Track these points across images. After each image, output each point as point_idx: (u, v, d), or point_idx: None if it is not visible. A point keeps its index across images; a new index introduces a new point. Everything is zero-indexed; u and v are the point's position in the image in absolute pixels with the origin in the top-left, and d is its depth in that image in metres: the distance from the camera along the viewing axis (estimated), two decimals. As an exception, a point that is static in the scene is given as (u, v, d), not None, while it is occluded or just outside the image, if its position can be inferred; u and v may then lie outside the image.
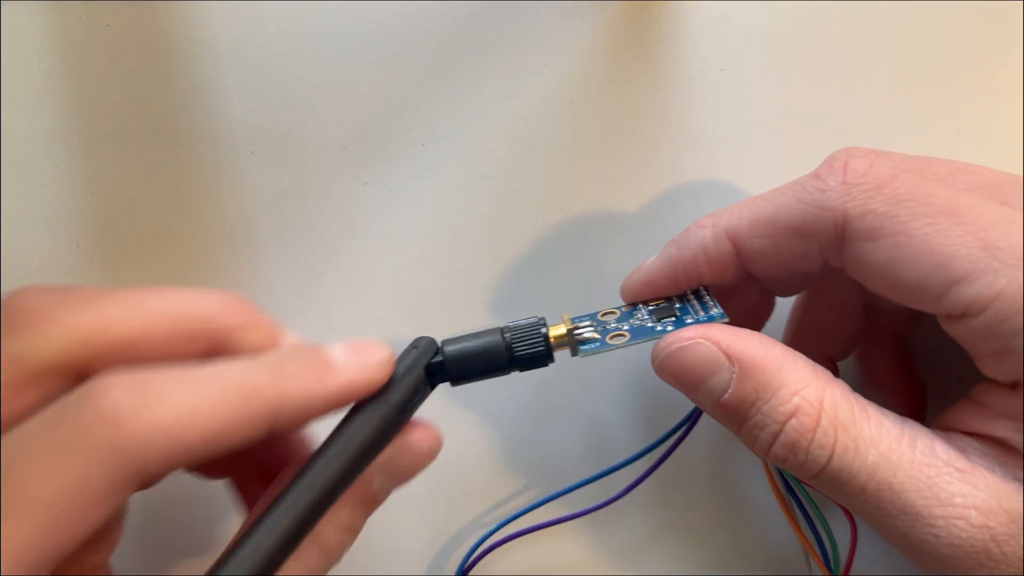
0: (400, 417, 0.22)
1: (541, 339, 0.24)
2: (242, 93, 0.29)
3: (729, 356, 0.22)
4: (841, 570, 0.27)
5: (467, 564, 0.28)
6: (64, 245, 0.29)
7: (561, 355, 0.24)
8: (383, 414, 0.22)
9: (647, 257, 0.27)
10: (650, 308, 0.25)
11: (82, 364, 0.20)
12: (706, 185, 0.30)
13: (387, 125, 0.29)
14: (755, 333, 0.23)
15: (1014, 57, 0.30)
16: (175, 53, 0.29)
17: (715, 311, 0.24)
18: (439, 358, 0.23)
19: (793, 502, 0.27)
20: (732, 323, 0.24)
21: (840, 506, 0.25)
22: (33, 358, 0.20)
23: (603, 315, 0.25)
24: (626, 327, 0.24)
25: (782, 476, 0.27)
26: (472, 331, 0.24)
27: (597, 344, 0.24)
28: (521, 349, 0.24)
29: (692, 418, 0.26)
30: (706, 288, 0.25)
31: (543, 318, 0.24)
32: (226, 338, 0.22)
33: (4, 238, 0.29)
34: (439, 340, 0.24)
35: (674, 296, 0.25)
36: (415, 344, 0.24)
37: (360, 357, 0.22)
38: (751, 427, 0.22)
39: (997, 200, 0.21)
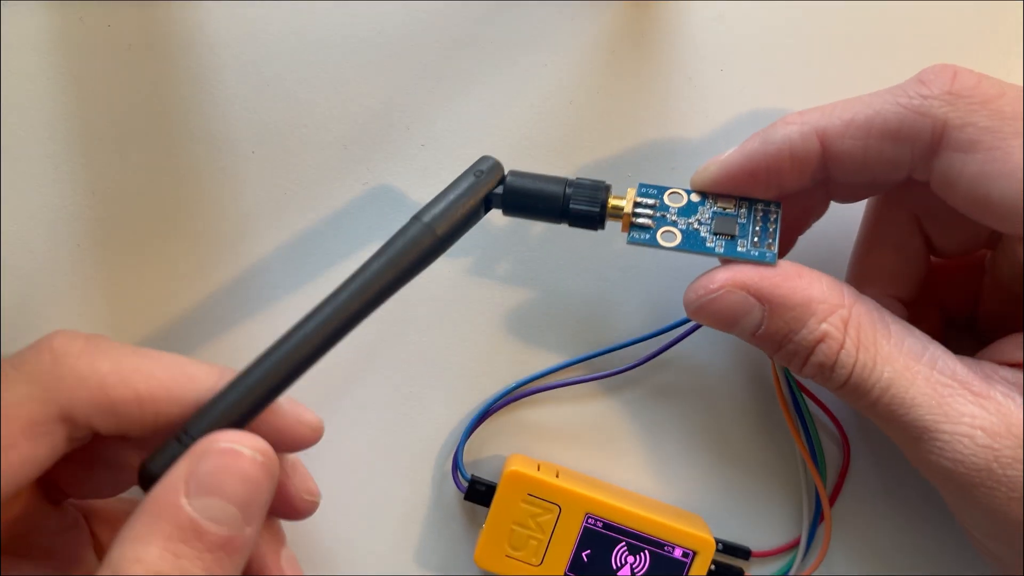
0: (443, 246, 0.23)
1: (599, 203, 0.24)
2: (242, 93, 0.29)
3: (759, 298, 0.23)
4: (828, 483, 0.29)
5: (489, 408, 0.29)
6: (64, 245, 0.29)
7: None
8: (428, 242, 0.23)
9: (644, 257, 0.27)
10: (714, 210, 0.25)
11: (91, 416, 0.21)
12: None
13: (387, 125, 0.29)
14: (782, 265, 0.24)
15: (1014, 57, 0.30)
16: (175, 53, 0.29)
17: (768, 251, 0.24)
18: (499, 188, 0.24)
19: (795, 411, 0.28)
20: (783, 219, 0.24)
21: (837, 426, 0.28)
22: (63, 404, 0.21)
23: (669, 195, 0.25)
24: (681, 227, 0.24)
25: (789, 384, 0.28)
26: (540, 173, 0.25)
27: (647, 237, 0.24)
28: (577, 204, 0.24)
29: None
30: (777, 205, 0.24)
31: (609, 184, 0.25)
32: None
33: (4, 238, 0.29)
34: (506, 169, 0.25)
35: (743, 201, 0.24)
36: (479, 165, 0.25)
37: (297, 410, 0.22)
38: (785, 353, 0.24)
39: None
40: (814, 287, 0.23)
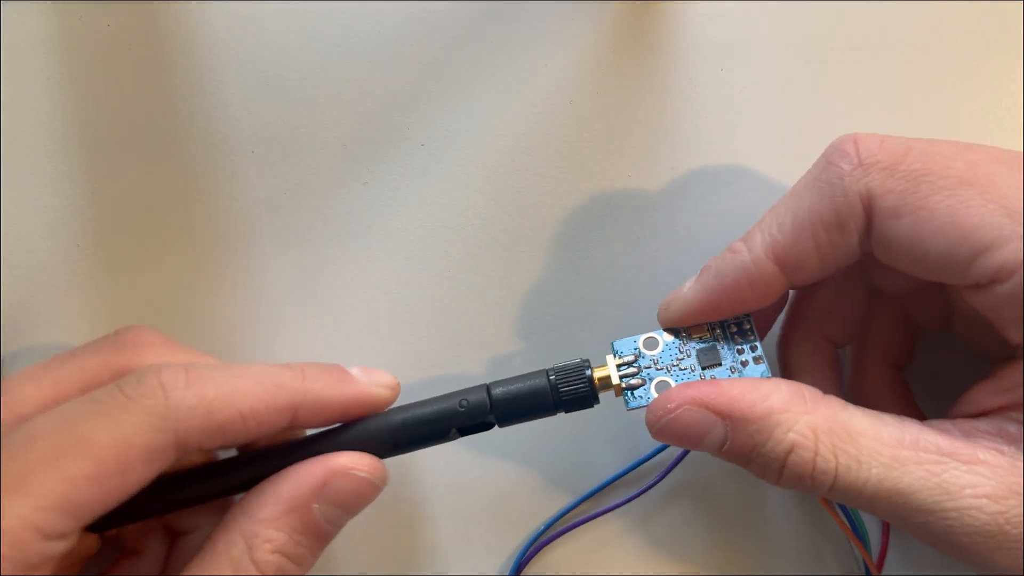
0: (389, 437, 0.24)
1: (586, 381, 0.24)
2: (242, 93, 0.29)
3: (718, 414, 0.23)
4: (875, 558, 0.27)
5: (522, 560, 0.28)
6: (64, 245, 0.29)
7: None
8: (375, 427, 0.24)
9: (644, 257, 0.27)
10: (693, 345, 0.25)
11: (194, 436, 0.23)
12: (706, 185, 0.30)
13: (387, 125, 0.29)
14: (741, 379, 0.24)
15: (1014, 57, 0.30)
16: (175, 53, 0.29)
17: (759, 366, 0.24)
18: (477, 421, 0.24)
19: None
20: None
21: None
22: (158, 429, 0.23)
23: (645, 342, 0.25)
24: (671, 373, 0.25)
25: None
26: (516, 375, 0.25)
27: (645, 398, 0.24)
28: (566, 391, 0.24)
29: None
30: (747, 317, 0.25)
31: (587, 360, 0.24)
32: (305, 400, 0.24)
33: (4, 238, 0.29)
34: (487, 392, 0.24)
35: (716, 327, 0.25)
36: (464, 399, 0.25)
37: (371, 376, 0.25)
38: (757, 467, 0.23)
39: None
40: (773, 397, 0.23)
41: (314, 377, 0.24)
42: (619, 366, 0.25)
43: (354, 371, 0.25)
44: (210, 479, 0.25)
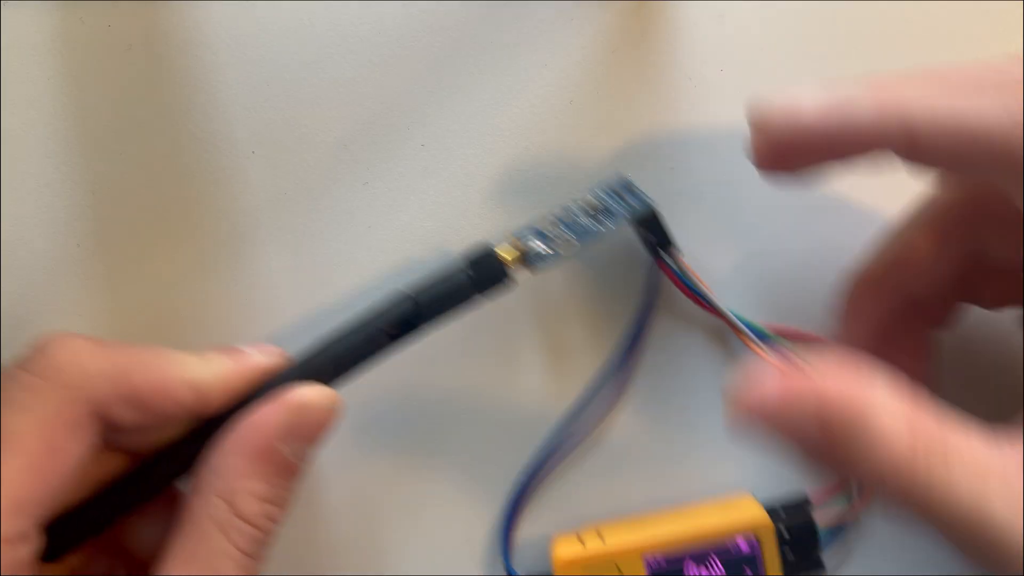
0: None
1: (499, 266, 0.26)
2: (242, 93, 0.29)
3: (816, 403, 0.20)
4: None
5: (515, 508, 0.29)
6: (64, 245, 0.29)
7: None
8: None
9: (646, 258, 0.27)
10: (579, 206, 0.27)
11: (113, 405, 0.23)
12: (706, 185, 0.30)
13: (387, 125, 0.29)
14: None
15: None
16: (176, 54, 0.29)
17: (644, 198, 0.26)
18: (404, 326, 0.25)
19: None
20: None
21: None
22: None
23: (548, 230, 0.26)
24: (571, 236, 0.26)
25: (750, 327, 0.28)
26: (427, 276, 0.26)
27: (550, 258, 0.26)
28: (481, 277, 0.25)
29: (642, 322, 0.28)
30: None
31: (490, 242, 0.26)
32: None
33: (4, 238, 0.29)
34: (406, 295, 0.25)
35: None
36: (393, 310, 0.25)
37: (261, 349, 0.25)
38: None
39: None
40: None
41: (211, 357, 0.24)
42: (517, 243, 0.26)
43: (245, 347, 0.25)
44: (156, 465, 0.24)
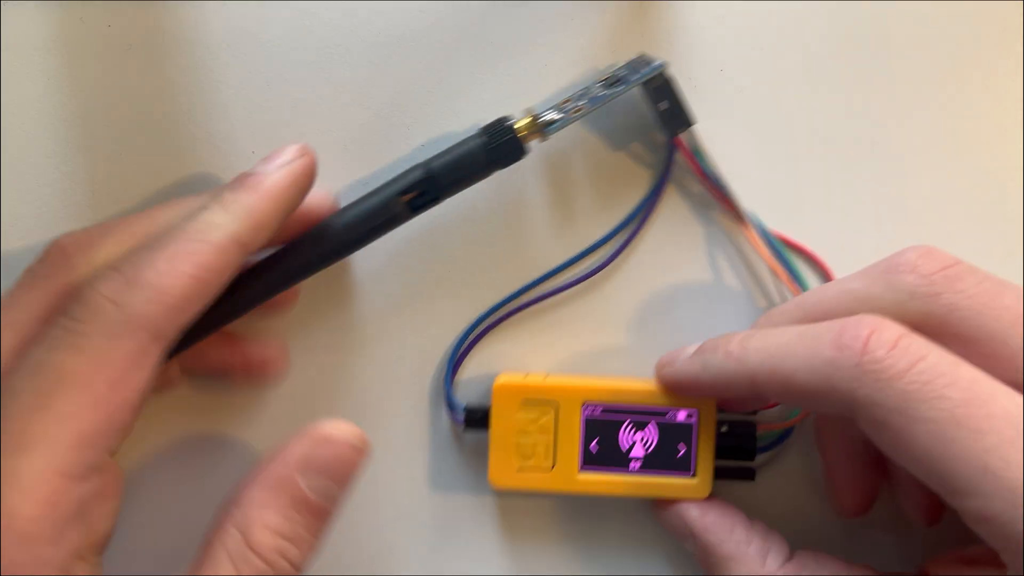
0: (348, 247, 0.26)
1: (512, 133, 0.26)
2: (242, 93, 0.29)
3: (691, 533, 0.26)
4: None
5: (458, 355, 0.29)
6: (64, 245, 0.29)
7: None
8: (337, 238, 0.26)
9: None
10: (599, 82, 0.27)
11: None
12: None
13: (387, 125, 0.29)
14: (727, 511, 0.26)
15: (1014, 57, 0.30)
16: (176, 54, 0.29)
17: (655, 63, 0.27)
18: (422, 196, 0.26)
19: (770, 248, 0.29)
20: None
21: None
22: (79, 282, 0.23)
23: (562, 103, 0.27)
24: (584, 103, 0.27)
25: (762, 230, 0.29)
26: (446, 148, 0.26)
27: (561, 120, 0.26)
28: (495, 146, 0.26)
29: (654, 197, 0.29)
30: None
31: (507, 117, 0.27)
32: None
33: (4, 238, 0.29)
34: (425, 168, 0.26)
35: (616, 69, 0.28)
36: (404, 182, 0.26)
37: (275, 162, 0.25)
38: None
39: None
40: (739, 547, 0.26)
41: (230, 200, 0.24)
42: (536, 116, 0.26)
43: (258, 166, 0.25)
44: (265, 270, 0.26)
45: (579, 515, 0.29)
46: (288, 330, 0.29)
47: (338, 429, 0.23)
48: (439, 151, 0.26)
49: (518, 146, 0.26)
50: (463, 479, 0.29)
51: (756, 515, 0.27)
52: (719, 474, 0.27)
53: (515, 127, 0.26)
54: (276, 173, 0.24)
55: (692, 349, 0.26)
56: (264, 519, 0.22)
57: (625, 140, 0.29)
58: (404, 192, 0.26)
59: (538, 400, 0.27)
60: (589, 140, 0.29)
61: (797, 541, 0.27)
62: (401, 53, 0.29)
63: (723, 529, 0.26)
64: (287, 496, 0.23)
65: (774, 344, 0.23)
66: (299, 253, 0.26)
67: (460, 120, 0.29)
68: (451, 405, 0.28)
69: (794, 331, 0.23)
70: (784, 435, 0.29)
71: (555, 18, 0.29)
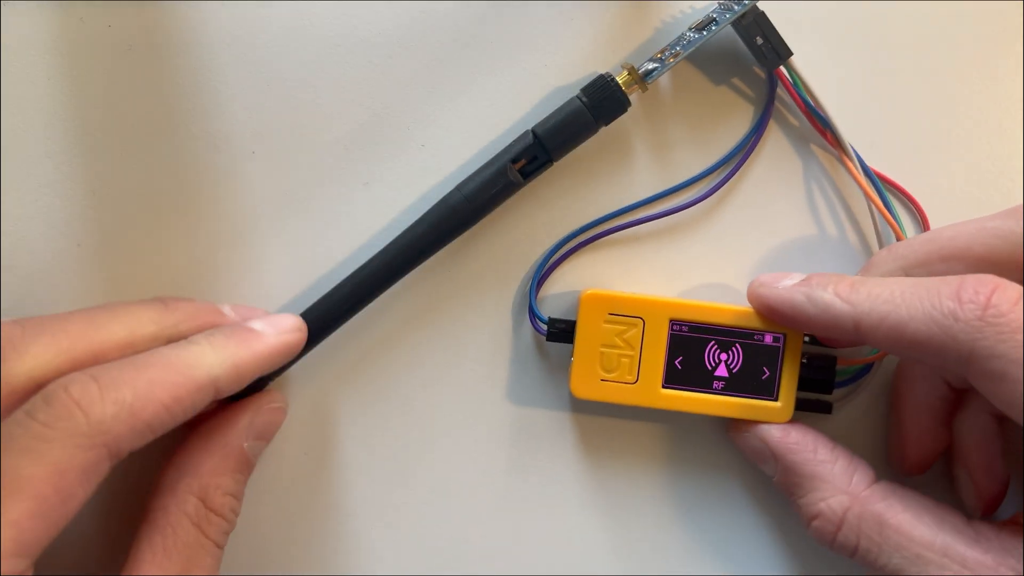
0: (475, 215, 0.27)
1: (615, 87, 0.27)
2: (242, 93, 0.29)
3: (774, 455, 0.26)
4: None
5: (544, 268, 0.29)
6: (64, 245, 0.29)
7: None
8: (459, 210, 0.27)
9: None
10: (691, 28, 0.28)
11: (55, 378, 0.23)
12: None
13: (387, 125, 0.29)
14: (810, 433, 0.26)
15: (1014, 57, 0.30)
16: (176, 54, 0.29)
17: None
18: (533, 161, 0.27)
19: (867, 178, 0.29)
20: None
21: (910, 199, 0.30)
22: (15, 379, 0.23)
23: (657, 54, 0.28)
24: (678, 49, 0.27)
25: (862, 166, 0.29)
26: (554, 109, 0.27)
27: (660, 67, 0.27)
28: (600, 102, 0.27)
29: (758, 131, 0.29)
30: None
31: (607, 72, 0.27)
32: (173, 334, 0.25)
33: (4, 238, 0.29)
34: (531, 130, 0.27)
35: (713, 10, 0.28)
36: (514, 151, 0.27)
37: (276, 324, 0.26)
38: (794, 507, 0.26)
39: None
40: (823, 466, 0.26)
41: (223, 345, 0.24)
42: (635, 68, 0.27)
43: (256, 324, 0.26)
44: None
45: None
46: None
47: (275, 399, 0.27)
48: (542, 117, 0.27)
49: (621, 99, 0.27)
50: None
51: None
52: (798, 405, 0.27)
53: (615, 81, 0.27)
54: (272, 339, 0.25)
55: (796, 277, 0.26)
56: (220, 484, 0.25)
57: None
58: (515, 160, 0.27)
59: (625, 314, 0.27)
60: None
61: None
62: (401, 53, 0.29)
63: (806, 448, 0.26)
64: (235, 460, 0.25)
65: (887, 292, 0.24)
66: (430, 227, 0.27)
67: (460, 120, 0.29)
68: (535, 315, 0.28)
69: (908, 282, 0.24)
70: (863, 371, 0.29)
71: (555, 18, 0.29)
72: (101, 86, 0.29)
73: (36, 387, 0.23)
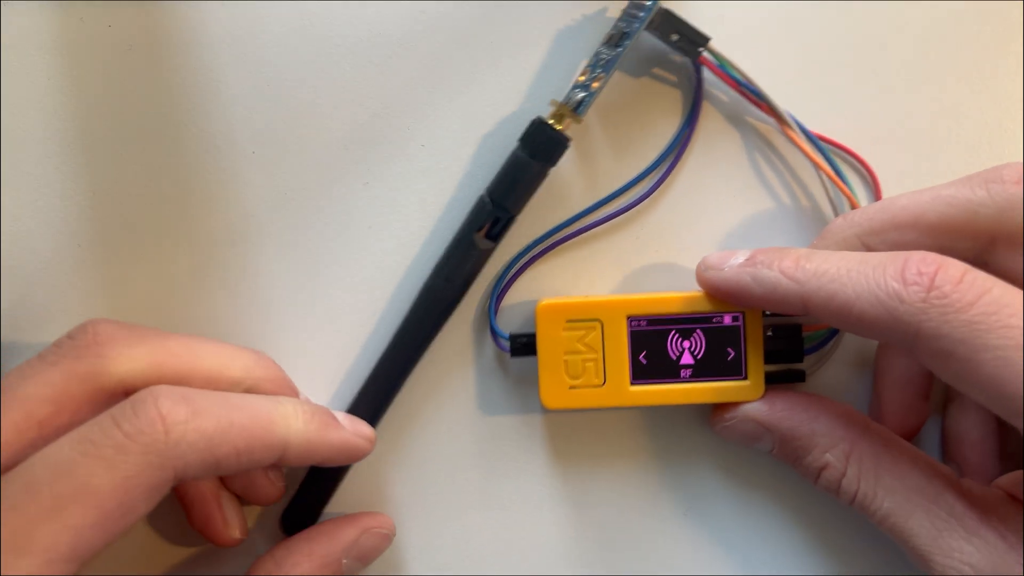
0: (457, 294, 0.28)
1: (549, 129, 0.27)
2: (242, 93, 0.29)
3: (767, 429, 0.27)
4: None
5: (500, 286, 0.29)
6: (64, 245, 0.29)
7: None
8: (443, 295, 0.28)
9: (639, 255, 0.29)
10: (604, 45, 0.28)
11: (143, 387, 0.23)
12: (706, 184, 0.30)
13: (387, 125, 0.29)
14: (793, 396, 0.27)
15: (1014, 57, 0.30)
16: (176, 54, 0.29)
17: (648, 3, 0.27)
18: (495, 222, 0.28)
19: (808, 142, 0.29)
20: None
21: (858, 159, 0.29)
22: (107, 376, 0.23)
23: (579, 78, 0.28)
24: (600, 71, 0.27)
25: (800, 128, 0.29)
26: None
27: (588, 97, 0.27)
28: (540, 148, 0.27)
29: (692, 119, 0.29)
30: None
31: (537, 116, 0.27)
32: (252, 387, 0.26)
33: (4, 238, 0.29)
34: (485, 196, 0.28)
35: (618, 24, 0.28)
36: (474, 220, 0.28)
37: (356, 426, 0.26)
38: (800, 469, 0.27)
39: None
40: (817, 422, 0.26)
41: (307, 419, 0.25)
42: (563, 103, 0.27)
43: (340, 417, 0.26)
44: None
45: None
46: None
47: (384, 523, 0.27)
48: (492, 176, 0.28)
49: (559, 139, 0.27)
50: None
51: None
52: (769, 379, 0.27)
53: (548, 123, 0.27)
54: (348, 437, 0.26)
55: (741, 256, 0.26)
56: None
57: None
58: (479, 228, 0.28)
59: (582, 318, 0.27)
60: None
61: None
62: (401, 53, 0.29)
63: (796, 411, 0.26)
64: (329, 572, 0.26)
65: (834, 269, 0.24)
66: (423, 320, 0.28)
67: (460, 120, 0.29)
68: (496, 334, 0.29)
69: (854, 258, 0.24)
70: (830, 335, 0.29)
71: (555, 18, 0.29)
72: (101, 86, 0.29)
73: (124, 391, 0.23)
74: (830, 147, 0.29)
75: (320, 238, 0.29)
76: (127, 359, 0.24)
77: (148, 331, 0.25)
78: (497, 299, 0.29)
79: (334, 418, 0.26)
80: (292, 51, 0.29)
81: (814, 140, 0.29)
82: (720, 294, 0.26)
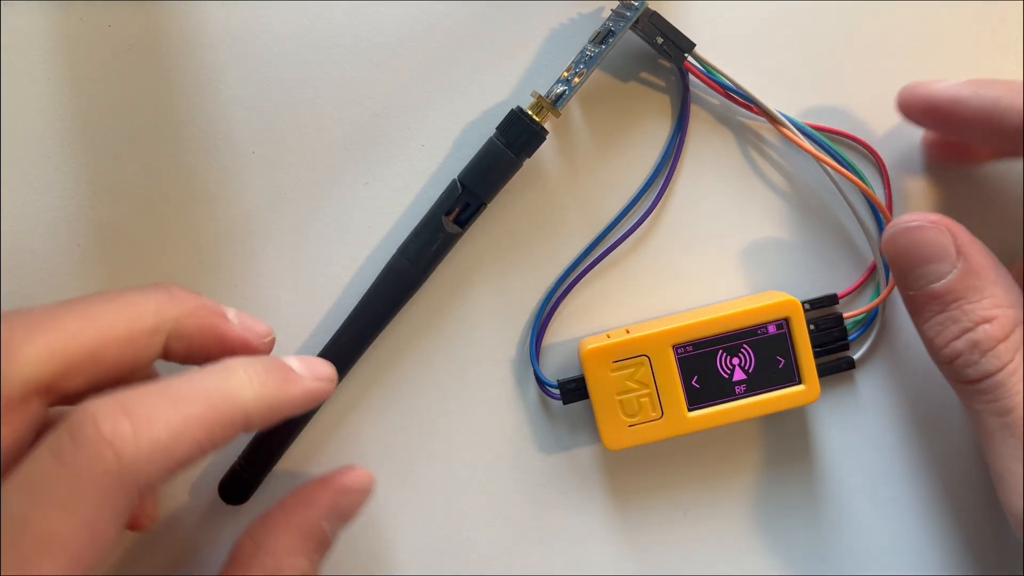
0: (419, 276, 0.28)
1: (527, 120, 0.27)
2: (242, 93, 0.29)
3: (959, 251, 0.24)
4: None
5: (536, 332, 0.29)
6: (64, 245, 0.29)
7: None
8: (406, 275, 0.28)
9: (641, 259, 0.28)
10: (590, 42, 0.27)
11: (55, 381, 0.21)
12: (706, 183, 0.30)
13: (387, 125, 0.29)
14: (980, 242, 0.24)
15: (1014, 57, 0.30)
16: (176, 54, 0.29)
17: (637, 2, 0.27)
18: (464, 208, 0.27)
19: (813, 143, 0.29)
20: None
21: (863, 144, 0.29)
22: (9, 389, 0.21)
23: (563, 74, 0.27)
24: (582, 67, 0.27)
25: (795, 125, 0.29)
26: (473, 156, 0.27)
27: (568, 91, 0.27)
28: (516, 138, 0.27)
29: (681, 125, 0.29)
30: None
31: (517, 106, 0.27)
32: (175, 329, 0.24)
33: (4, 238, 0.29)
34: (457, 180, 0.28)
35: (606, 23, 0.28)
36: (442, 203, 0.28)
37: (313, 368, 0.25)
38: (943, 318, 0.24)
39: None
40: (1008, 277, 0.24)
41: (262, 381, 0.23)
42: (544, 96, 0.27)
43: (293, 363, 0.25)
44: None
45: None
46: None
47: (359, 479, 0.26)
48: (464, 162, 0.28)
49: (536, 130, 0.27)
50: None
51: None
52: (821, 372, 0.27)
53: (527, 113, 0.27)
54: (308, 384, 0.24)
55: (948, 81, 0.26)
56: (295, 564, 0.24)
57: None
58: (448, 212, 0.27)
59: (628, 356, 0.27)
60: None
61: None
62: (401, 53, 0.29)
63: (987, 254, 0.24)
64: (313, 541, 0.25)
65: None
66: (382, 296, 0.28)
67: (460, 120, 0.29)
68: (543, 383, 0.28)
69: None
70: (871, 317, 0.29)
71: (555, 18, 0.29)
72: (101, 86, 0.29)
73: (34, 394, 0.21)
74: (830, 136, 0.29)
75: (320, 238, 0.29)
76: (23, 362, 0.21)
77: (38, 315, 0.22)
78: (536, 349, 0.29)
79: (290, 369, 0.24)
80: (292, 51, 0.29)
81: (811, 134, 0.29)
82: (926, 106, 0.26)
